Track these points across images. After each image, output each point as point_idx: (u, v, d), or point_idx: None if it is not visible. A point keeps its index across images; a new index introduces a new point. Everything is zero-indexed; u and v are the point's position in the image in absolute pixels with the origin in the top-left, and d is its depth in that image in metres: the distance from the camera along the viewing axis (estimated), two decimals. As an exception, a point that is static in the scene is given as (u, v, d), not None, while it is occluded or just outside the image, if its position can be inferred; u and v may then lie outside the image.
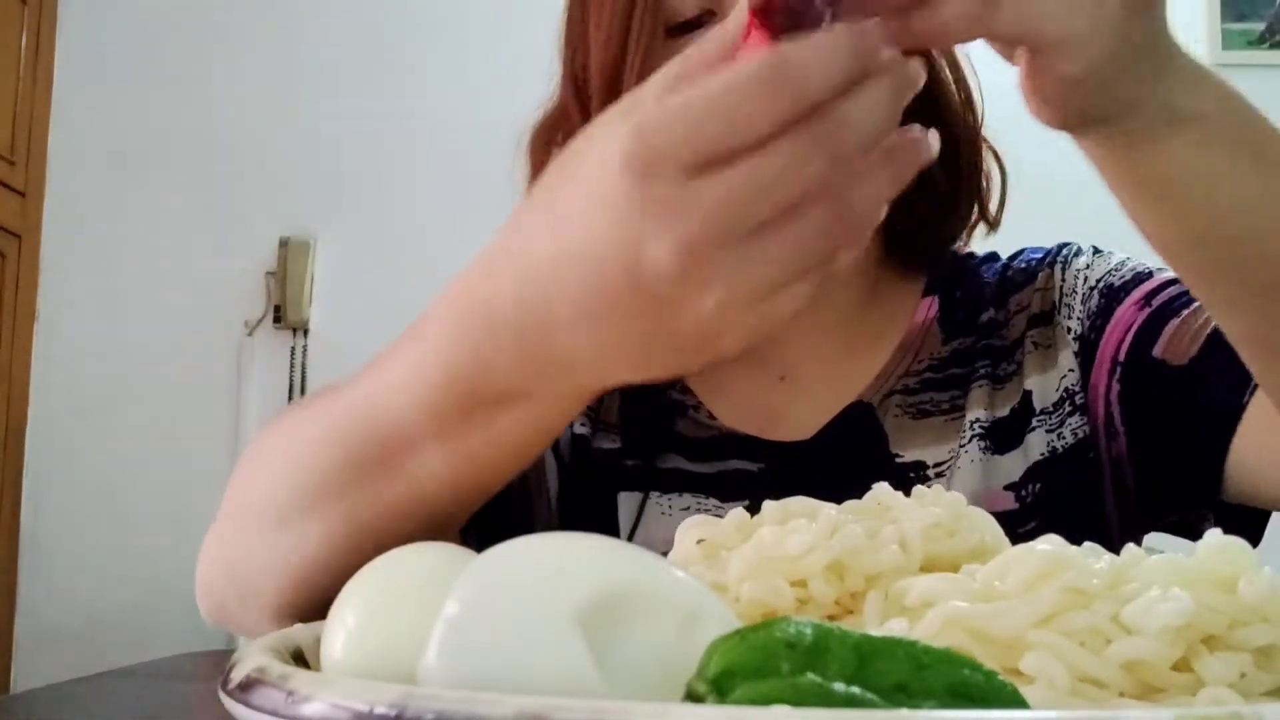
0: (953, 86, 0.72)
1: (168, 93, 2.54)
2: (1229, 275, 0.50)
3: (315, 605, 0.47)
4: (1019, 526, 0.65)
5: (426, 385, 0.45)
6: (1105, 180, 0.49)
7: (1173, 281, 0.67)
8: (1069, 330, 0.70)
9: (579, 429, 0.73)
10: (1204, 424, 0.62)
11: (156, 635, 2.28)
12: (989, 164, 0.74)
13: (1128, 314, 0.67)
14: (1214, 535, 0.34)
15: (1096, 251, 0.73)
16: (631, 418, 0.73)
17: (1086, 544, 0.37)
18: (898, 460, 0.69)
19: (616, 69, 0.65)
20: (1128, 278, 0.69)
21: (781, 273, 0.36)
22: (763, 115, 0.34)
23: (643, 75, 0.63)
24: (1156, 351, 0.64)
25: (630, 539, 0.69)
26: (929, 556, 0.39)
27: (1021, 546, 0.35)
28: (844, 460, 0.69)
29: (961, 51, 0.73)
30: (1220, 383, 0.61)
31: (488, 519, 0.67)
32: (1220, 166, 0.47)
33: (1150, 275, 0.68)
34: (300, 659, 0.37)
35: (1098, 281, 0.69)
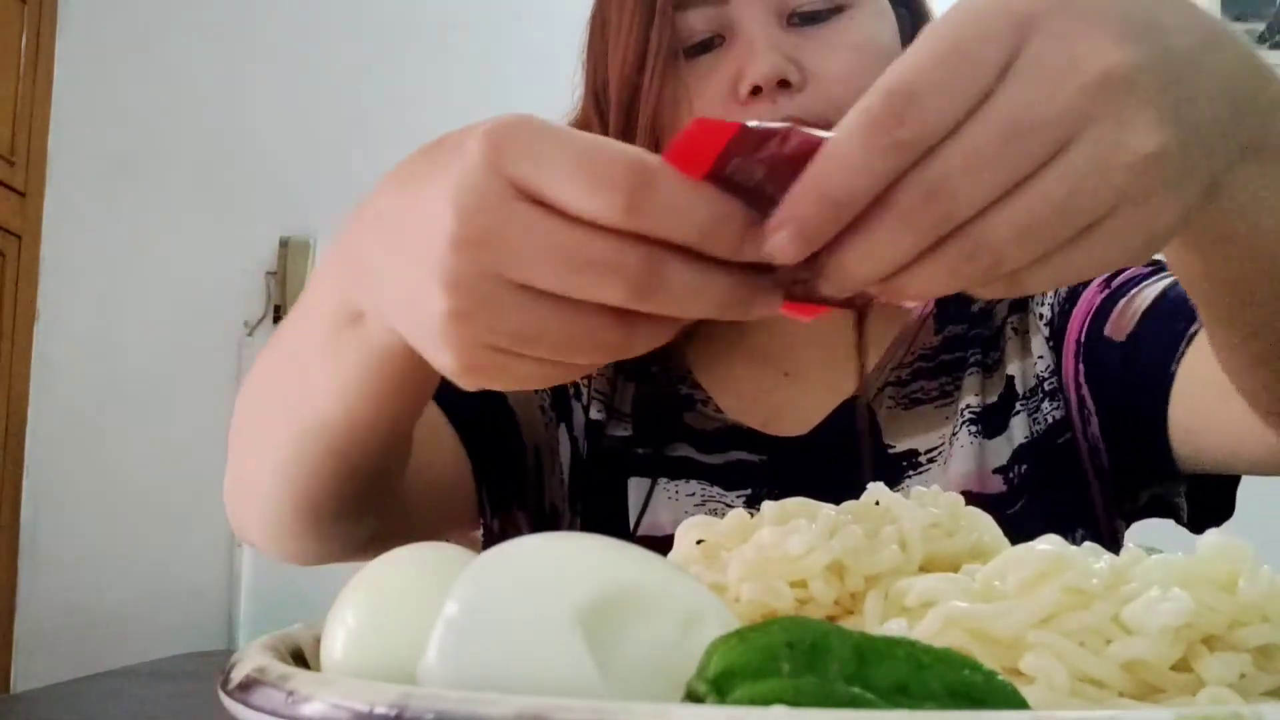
0: None
1: (168, 93, 2.54)
2: (1266, 303, 0.45)
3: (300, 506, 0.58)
4: (1008, 508, 0.67)
5: (316, 308, 0.49)
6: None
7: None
8: (1040, 316, 0.72)
9: (595, 415, 0.76)
10: (1143, 395, 0.63)
11: (156, 635, 2.28)
12: None
13: (1090, 296, 0.68)
14: (1213, 535, 0.34)
15: None
16: (644, 408, 0.76)
17: (1086, 544, 0.37)
18: (890, 451, 0.71)
19: (634, 88, 0.68)
20: None
21: (535, 335, 0.35)
22: (603, 209, 0.33)
23: (660, 94, 0.68)
24: (1106, 330, 0.66)
25: (638, 522, 0.73)
26: (928, 556, 0.39)
27: (1021, 546, 0.35)
28: (839, 454, 0.71)
29: None
30: (1151, 354, 0.62)
31: (500, 484, 0.68)
32: None
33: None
34: (300, 659, 0.37)
35: None
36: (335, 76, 2.53)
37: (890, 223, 0.32)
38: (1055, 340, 0.70)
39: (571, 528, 0.75)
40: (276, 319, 2.45)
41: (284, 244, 2.46)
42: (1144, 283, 0.66)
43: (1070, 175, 0.31)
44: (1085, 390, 0.68)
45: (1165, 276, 0.66)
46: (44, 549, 2.41)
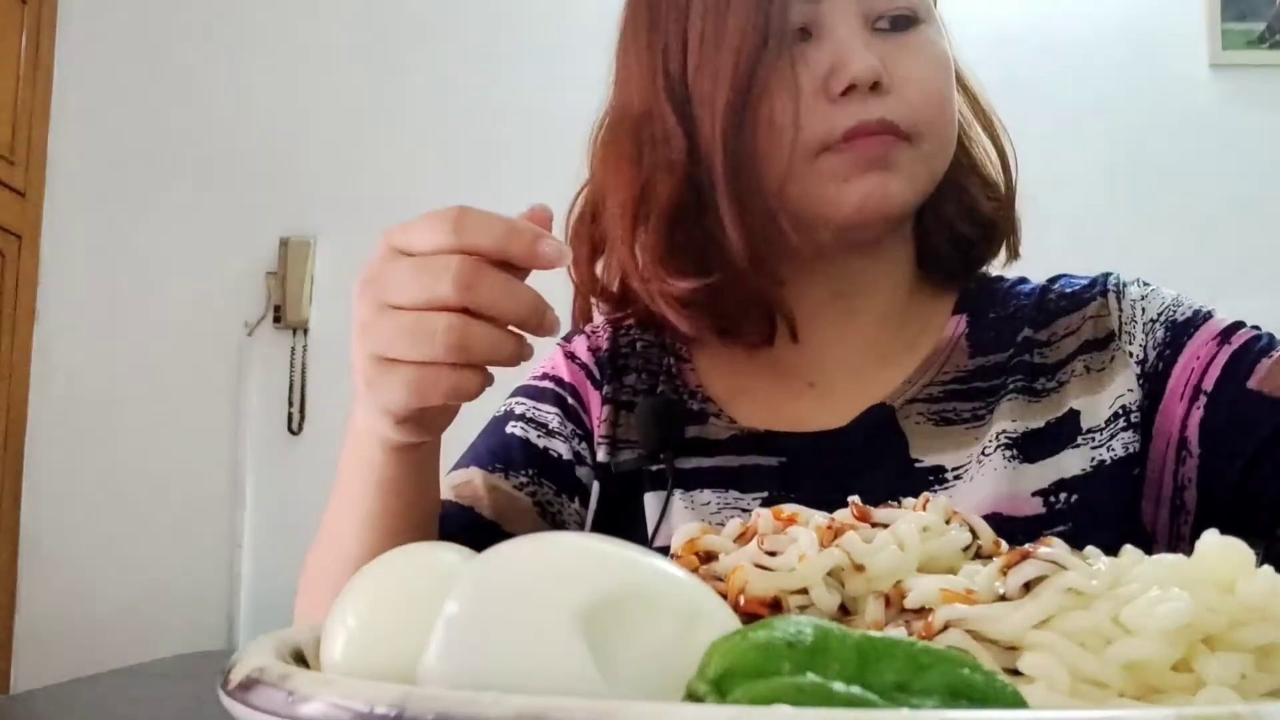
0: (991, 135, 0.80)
1: (168, 93, 2.54)
2: None
3: None
4: (1046, 529, 0.67)
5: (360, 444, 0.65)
6: None
7: (1240, 323, 0.71)
8: (1130, 354, 0.72)
9: (602, 458, 0.77)
10: None
11: (156, 635, 2.28)
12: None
13: (1205, 348, 0.70)
14: (1213, 535, 0.34)
15: (1144, 284, 0.76)
16: (651, 426, 0.76)
17: (1088, 547, 0.37)
18: (918, 465, 0.71)
19: (749, 76, 0.67)
20: (1189, 314, 0.72)
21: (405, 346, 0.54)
22: (425, 244, 0.54)
23: (779, 83, 0.67)
24: (1253, 384, 0.68)
25: (654, 534, 0.73)
26: (926, 557, 0.39)
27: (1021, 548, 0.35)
28: (862, 457, 0.72)
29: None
30: None
31: None
32: None
33: (1211, 314, 0.73)
34: (300, 659, 0.37)
35: (1159, 314, 0.73)
36: (335, 76, 2.53)
37: None
38: (1149, 381, 0.71)
39: None
40: (276, 319, 2.45)
41: (284, 244, 2.46)
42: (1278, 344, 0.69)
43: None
44: (1192, 433, 0.69)
45: None
46: (44, 549, 2.41)
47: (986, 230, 0.78)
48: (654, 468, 0.75)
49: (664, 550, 0.73)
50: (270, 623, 1.93)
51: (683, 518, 0.72)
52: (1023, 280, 0.81)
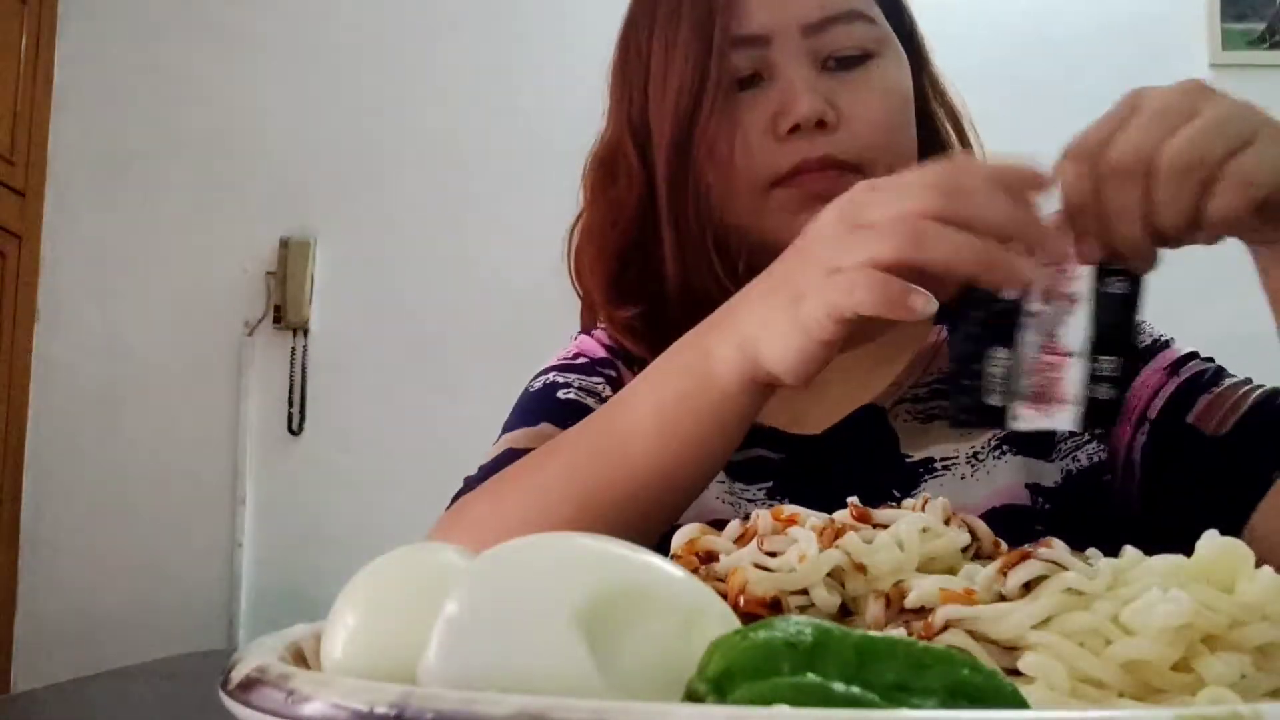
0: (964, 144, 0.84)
1: (168, 93, 2.54)
2: None
3: None
4: (1036, 524, 0.72)
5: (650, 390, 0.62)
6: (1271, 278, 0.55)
7: (1192, 354, 0.75)
8: None
9: None
10: (1231, 489, 0.67)
11: (156, 635, 2.28)
12: None
13: (1154, 377, 0.74)
14: (1213, 535, 0.34)
15: None
16: None
17: (1090, 550, 0.37)
18: (908, 460, 0.76)
19: (690, 119, 0.73)
20: (1148, 343, 0.77)
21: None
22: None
23: (718, 125, 0.73)
24: (1190, 419, 0.71)
25: None
26: (925, 557, 0.39)
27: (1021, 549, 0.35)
28: (855, 454, 0.77)
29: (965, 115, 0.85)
30: (1252, 455, 0.67)
31: None
32: None
33: (1168, 344, 0.77)
34: (300, 659, 0.37)
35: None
36: (336, 76, 2.52)
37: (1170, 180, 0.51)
38: None
39: None
40: (276, 319, 2.45)
41: (284, 244, 2.46)
42: (1223, 380, 0.72)
43: (1203, 123, 0.51)
44: (1136, 457, 0.73)
45: (1257, 385, 0.71)
46: (44, 549, 2.41)
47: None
48: None
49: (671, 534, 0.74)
50: (270, 623, 1.93)
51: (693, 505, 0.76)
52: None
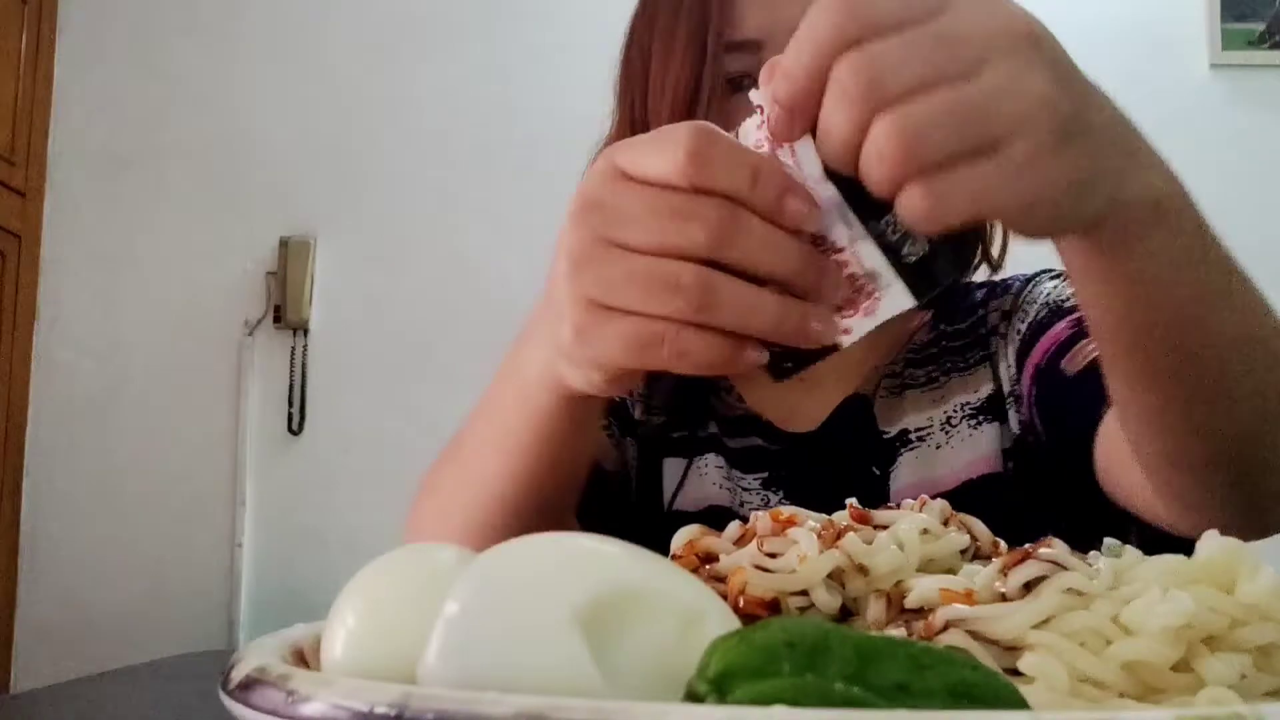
0: None
1: (168, 93, 2.53)
2: (1162, 358, 0.50)
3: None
4: (1007, 491, 0.74)
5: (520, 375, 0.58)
6: (1079, 277, 0.49)
7: None
8: (1018, 332, 0.78)
9: (637, 415, 0.86)
10: (1076, 428, 0.67)
11: (156, 635, 2.28)
12: None
13: (1060, 329, 0.73)
14: (1213, 536, 0.34)
15: (1065, 282, 0.80)
16: (679, 394, 0.85)
17: (1091, 552, 0.37)
18: (885, 436, 0.78)
19: (687, 113, 0.73)
20: (1073, 304, 0.74)
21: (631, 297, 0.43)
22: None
23: (715, 117, 0.72)
24: (1063, 363, 0.71)
25: (674, 498, 0.81)
26: (925, 559, 0.39)
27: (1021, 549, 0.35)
28: (842, 443, 0.80)
29: None
30: (1091, 391, 0.65)
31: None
32: (1193, 253, 0.47)
33: None
34: (300, 659, 0.37)
35: (1050, 299, 0.77)
36: (335, 76, 2.52)
37: (833, 94, 0.39)
38: (1019, 360, 0.76)
39: None
40: (276, 319, 2.45)
41: (284, 244, 2.46)
42: None
43: (980, 88, 0.38)
44: (1035, 413, 0.73)
45: None
46: (44, 549, 2.41)
47: (953, 244, 0.83)
48: (675, 434, 0.83)
49: (680, 515, 0.76)
50: (270, 623, 1.93)
51: (696, 484, 0.81)
52: (987, 282, 0.87)
